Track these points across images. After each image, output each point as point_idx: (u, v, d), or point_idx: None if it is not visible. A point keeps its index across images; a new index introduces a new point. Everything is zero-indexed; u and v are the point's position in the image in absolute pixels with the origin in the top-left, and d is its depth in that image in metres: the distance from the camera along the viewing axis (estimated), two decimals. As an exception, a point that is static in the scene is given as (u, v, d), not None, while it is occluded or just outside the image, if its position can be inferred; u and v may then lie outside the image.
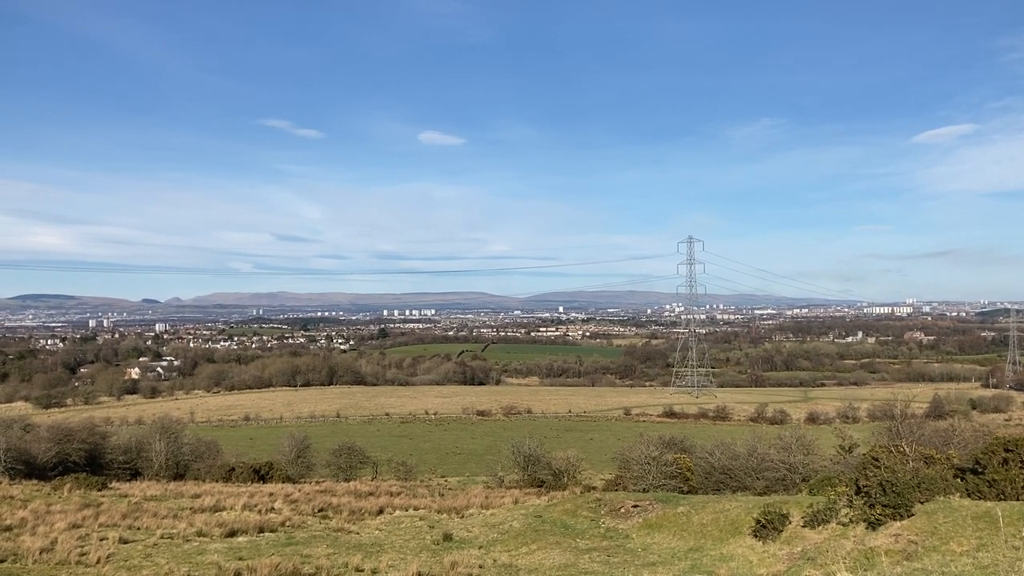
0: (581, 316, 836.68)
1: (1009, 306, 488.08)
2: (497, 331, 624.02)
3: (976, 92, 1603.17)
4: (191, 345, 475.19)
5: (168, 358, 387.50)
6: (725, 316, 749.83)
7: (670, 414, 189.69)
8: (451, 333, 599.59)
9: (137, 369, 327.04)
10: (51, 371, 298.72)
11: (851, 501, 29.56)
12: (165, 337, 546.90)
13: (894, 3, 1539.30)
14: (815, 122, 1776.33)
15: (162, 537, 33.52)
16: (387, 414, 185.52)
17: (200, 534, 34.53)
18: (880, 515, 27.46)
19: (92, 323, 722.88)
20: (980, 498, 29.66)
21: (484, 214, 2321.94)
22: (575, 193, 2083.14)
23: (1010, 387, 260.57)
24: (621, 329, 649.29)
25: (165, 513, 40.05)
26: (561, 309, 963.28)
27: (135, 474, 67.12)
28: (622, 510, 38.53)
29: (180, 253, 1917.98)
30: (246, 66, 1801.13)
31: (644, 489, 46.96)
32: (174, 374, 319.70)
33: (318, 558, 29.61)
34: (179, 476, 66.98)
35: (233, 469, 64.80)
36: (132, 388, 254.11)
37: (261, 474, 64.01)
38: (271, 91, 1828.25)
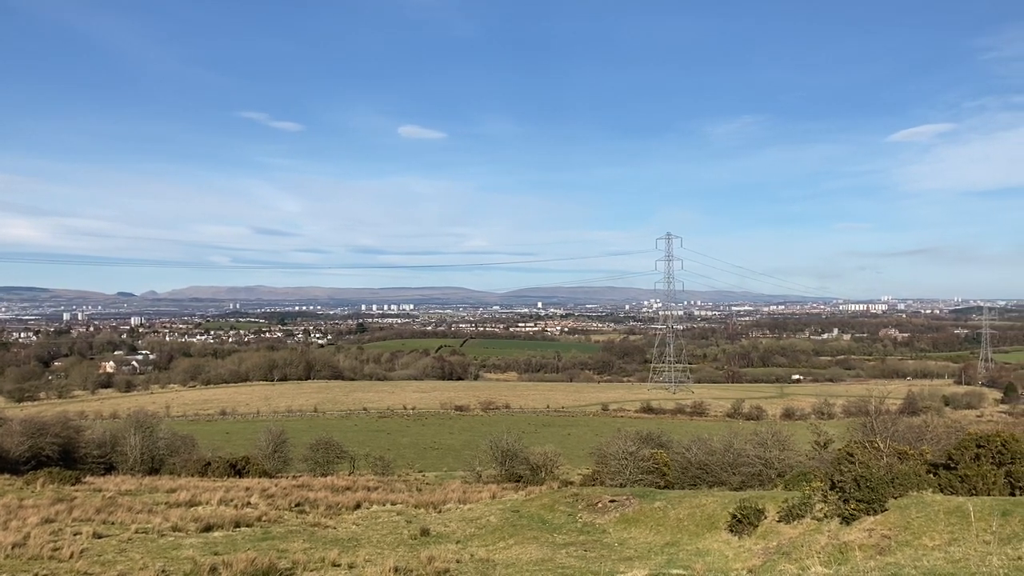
0: (560, 312, 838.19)
1: (982, 304, 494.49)
2: (476, 326, 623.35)
3: (954, 91, 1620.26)
4: (167, 339, 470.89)
5: (143, 352, 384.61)
6: (703, 312, 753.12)
7: (647, 409, 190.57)
8: (430, 328, 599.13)
9: (112, 363, 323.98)
10: (24, 364, 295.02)
11: (826, 496, 29.84)
12: (140, 331, 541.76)
13: (873, 2, 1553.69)
14: (795, 120, 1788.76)
15: (137, 532, 33.24)
16: (365, 409, 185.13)
17: (175, 529, 34.26)
18: (854, 510, 27.75)
19: (66, 316, 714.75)
20: (952, 493, 30.04)
21: (464, 209, 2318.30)
22: (555, 188, 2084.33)
23: (982, 384, 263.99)
24: (599, 325, 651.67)
25: (140, 508, 39.71)
26: (540, 304, 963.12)
27: (110, 468, 66.51)
28: (599, 505, 38.66)
29: (156, 246, 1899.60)
30: (224, 57, 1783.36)
31: (621, 484, 47.15)
32: (150, 368, 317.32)
33: (294, 553, 29.48)
34: (154, 471, 66.46)
35: (209, 463, 64.35)
36: (107, 382, 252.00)
37: (237, 468, 63.59)
38: (249, 83, 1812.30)
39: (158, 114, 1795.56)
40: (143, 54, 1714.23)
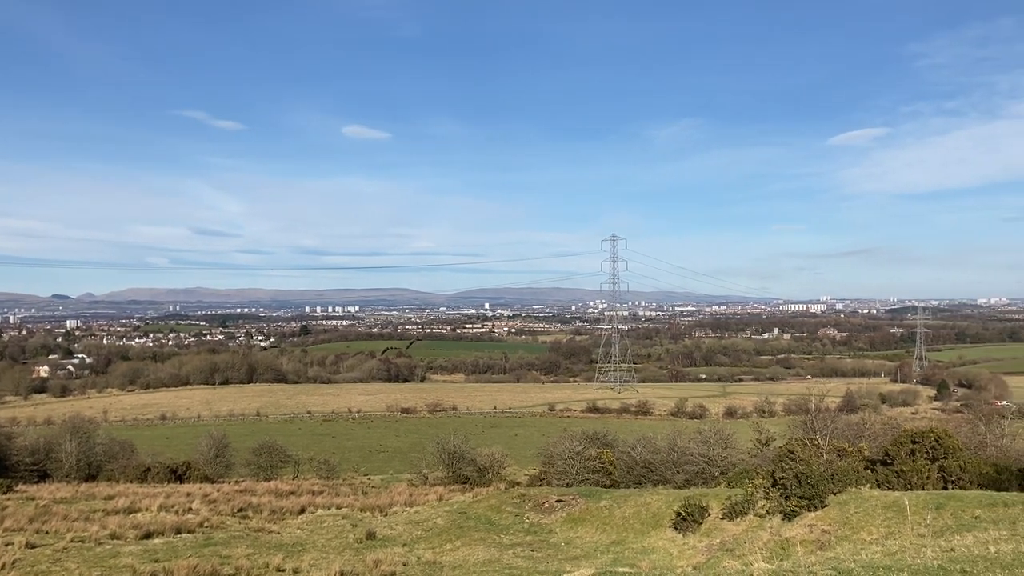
0: (507, 313, 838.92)
1: (917, 304, 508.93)
2: (423, 328, 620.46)
3: (889, 96, 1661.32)
4: (104, 342, 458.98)
5: (80, 356, 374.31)
6: (647, 313, 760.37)
7: (593, 409, 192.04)
8: (375, 330, 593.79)
9: (46, 367, 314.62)
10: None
11: (768, 493, 30.36)
12: (77, 334, 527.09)
13: (811, 7, 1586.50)
14: (735, 123, 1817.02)
15: (72, 541, 32.34)
16: (309, 412, 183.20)
17: (114, 536, 33.45)
18: (795, 506, 28.29)
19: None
20: (889, 488, 30.85)
21: (410, 209, 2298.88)
22: (502, 190, 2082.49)
23: (917, 382, 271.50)
24: (546, 326, 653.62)
25: (76, 516, 38.69)
26: (487, 306, 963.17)
27: (43, 476, 64.75)
28: (546, 505, 38.81)
29: (92, 247, 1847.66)
30: (162, 54, 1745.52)
31: (568, 484, 47.38)
32: (86, 372, 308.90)
33: (238, 559, 29.00)
34: (91, 477, 64.88)
35: (149, 469, 63.05)
36: (41, 387, 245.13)
37: (178, 474, 62.45)
38: (188, 80, 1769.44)
39: (92, 111, 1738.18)
40: (75, 49, 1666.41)
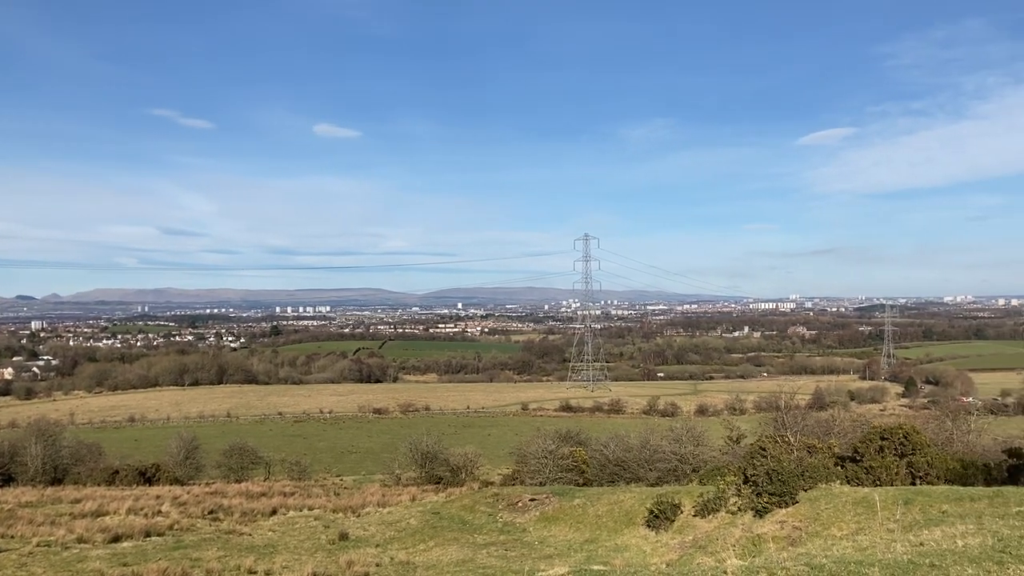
0: (480, 312, 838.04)
1: (885, 302, 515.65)
2: (395, 328, 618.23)
3: (857, 97, 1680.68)
4: (71, 344, 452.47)
5: (45, 357, 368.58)
6: (619, 312, 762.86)
7: (566, 408, 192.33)
8: (347, 330, 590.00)
9: (10, 369, 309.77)
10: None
11: (739, 490, 30.56)
12: (42, 335, 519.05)
13: (780, 9, 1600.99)
14: (706, 123, 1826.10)
15: (39, 545, 31.87)
16: (280, 413, 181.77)
17: (81, 540, 32.99)
18: (767, 503, 28.50)
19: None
20: (859, 484, 31.16)
21: (382, 209, 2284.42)
22: (475, 189, 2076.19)
23: (885, 379, 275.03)
24: (519, 325, 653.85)
25: (42, 520, 38.12)
26: (460, 305, 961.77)
27: (8, 480, 63.73)
28: (519, 504, 38.81)
29: (58, 247, 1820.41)
30: (130, 52, 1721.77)
31: (541, 483, 47.40)
32: (52, 374, 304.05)
33: (208, 561, 28.71)
34: (58, 481, 63.94)
35: (117, 472, 62.28)
36: (5, 389, 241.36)
37: (147, 476, 61.75)
38: (157, 79, 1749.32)
39: (58, 109, 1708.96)
40: (42, 46, 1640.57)
